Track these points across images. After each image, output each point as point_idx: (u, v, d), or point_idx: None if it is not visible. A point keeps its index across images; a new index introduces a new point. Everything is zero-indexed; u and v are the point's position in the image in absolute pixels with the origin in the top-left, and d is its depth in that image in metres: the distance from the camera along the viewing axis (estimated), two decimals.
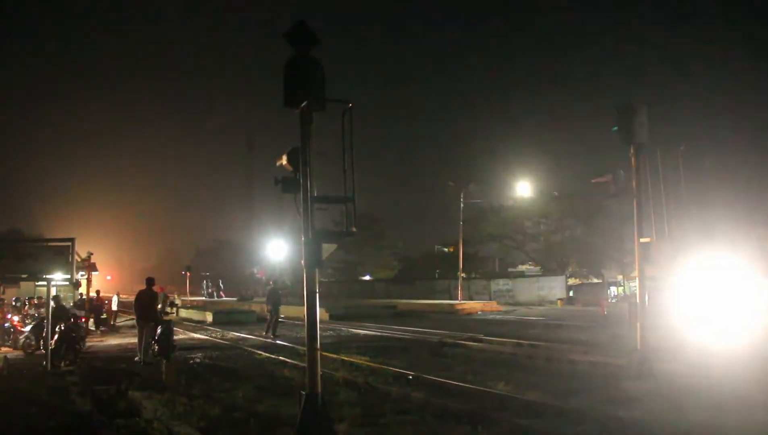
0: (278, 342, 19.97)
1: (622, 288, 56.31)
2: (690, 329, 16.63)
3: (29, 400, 10.71)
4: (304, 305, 7.59)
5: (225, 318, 31.09)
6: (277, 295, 23.29)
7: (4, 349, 18.08)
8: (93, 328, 26.95)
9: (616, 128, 10.89)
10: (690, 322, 19.65)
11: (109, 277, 64.12)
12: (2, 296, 23.74)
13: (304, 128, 7.53)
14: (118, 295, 31.98)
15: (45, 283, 15.10)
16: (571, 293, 51.06)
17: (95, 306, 28.88)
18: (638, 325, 10.81)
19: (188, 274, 56.50)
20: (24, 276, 15.58)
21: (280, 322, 28.32)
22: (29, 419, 9.31)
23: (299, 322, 27.11)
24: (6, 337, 18.42)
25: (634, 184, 11.05)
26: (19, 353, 17.72)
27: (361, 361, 14.71)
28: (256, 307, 35.52)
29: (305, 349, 7.86)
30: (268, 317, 22.91)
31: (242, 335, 22.80)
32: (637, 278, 11.44)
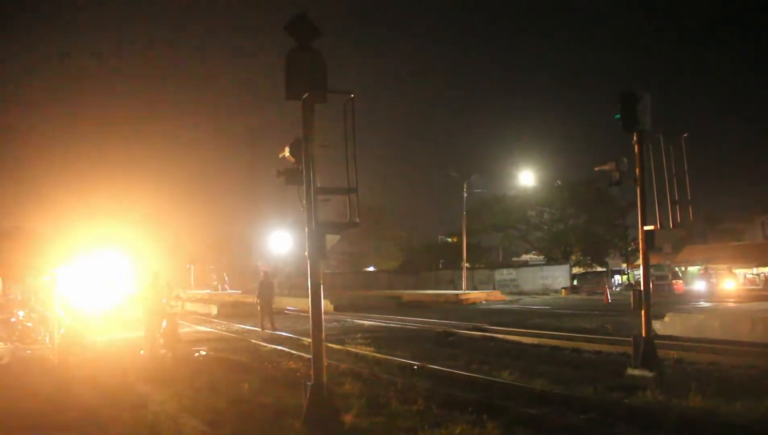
0: (283, 333, 20.00)
1: (626, 276, 56.40)
2: (695, 316, 16.62)
3: (37, 394, 10.77)
4: (308, 296, 7.61)
5: (230, 311, 31.17)
6: (268, 287, 22.96)
7: (10, 344, 18.15)
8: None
9: (618, 116, 10.86)
10: (695, 309, 19.65)
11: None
12: (9, 292, 23.82)
13: (306, 120, 7.54)
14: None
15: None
16: (575, 282, 51.11)
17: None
18: (642, 312, 10.80)
19: (192, 267, 56.63)
20: (30, 271, 15.67)
21: (286, 313, 28.45)
22: (37, 414, 9.37)
23: (303, 314, 27.20)
24: (13, 332, 18.48)
25: (637, 171, 11.02)
26: (26, 348, 17.82)
27: (366, 352, 14.74)
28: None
29: (310, 340, 7.88)
30: (259, 310, 22.58)
31: (247, 327, 22.85)
32: (641, 266, 11.42)
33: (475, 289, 47.23)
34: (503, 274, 54.65)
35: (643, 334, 10.68)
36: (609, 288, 39.83)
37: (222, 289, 58.57)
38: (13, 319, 18.52)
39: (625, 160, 11.48)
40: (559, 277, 51.94)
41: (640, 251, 11.15)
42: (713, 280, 46.24)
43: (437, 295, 41.21)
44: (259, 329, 21.54)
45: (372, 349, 15.28)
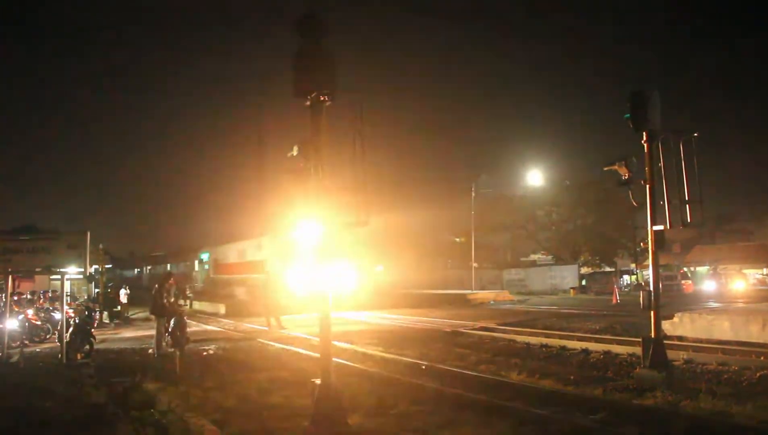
0: (290, 333, 20.02)
1: (635, 276, 56.16)
2: (704, 316, 16.51)
3: (46, 392, 10.79)
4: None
5: (237, 310, 31.17)
6: (273, 287, 22.99)
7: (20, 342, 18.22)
8: (107, 321, 27.17)
9: (628, 115, 10.79)
10: (705, 309, 19.53)
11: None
12: (19, 290, 23.93)
13: (315, 119, 7.51)
14: (126, 288, 32.17)
15: (59, 276, 15.22)
16: (583, 282, 50.93)
17: (109, 299, 29.11)
18: (652, 313, 10.72)
19: None
20: (38, 270, 15.71)
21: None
22: (46, 411, 9.39)
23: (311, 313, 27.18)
24: (22, 331, 18.56)
25: (647, 171, 10.94)
26: (35, 346, 17.90)
27: (374, 351, 14.72)
28: None
29: (317, 339, 7.86)
30: (264, 310, 22.63)
31: (255, 327, 22.87)
32: (650, 266, 11.34)
33: (483, 289, 47.08)
34: (511, 274, 54.47)
35: (653, 335, 10.61)
36: (618, 288, 39.68)
37: None
38: (21, 317, 18.60)
39: (634, 159, 11.42)
40: (567, 277, 51.77)
41: (650, 251, 11.06)
42: (722, 280, 46.02)
43: (445, 294, 41.09)
44: (267, 328, 21.58)
45: (380, 348, 15.26)
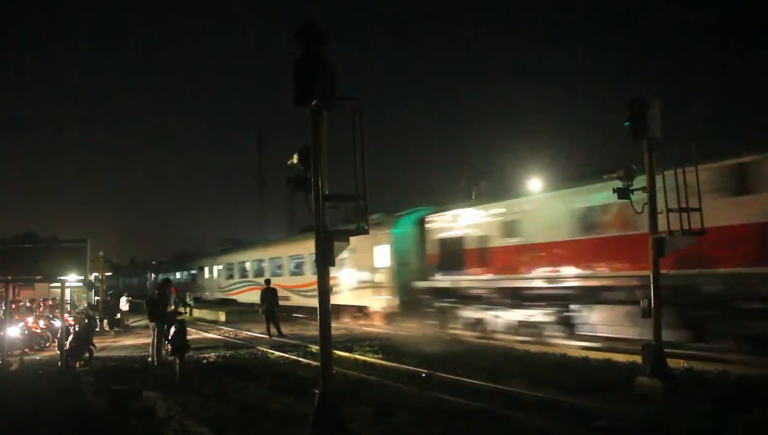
0: (290, 341, 19.98)
1: None
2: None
3: (45, 400, 10.78)
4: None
5: (238, 317, 31.16)
6: (272, 295, 23.01)
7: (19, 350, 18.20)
8: (107, 329, 27.14)
9: (628, 123, 10.77)
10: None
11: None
12: (18, 298, 23.92)
13: (315, 127, 7.52)
14: (127, 295, 32.18)
15: (59, 284, 15.21)
16: None
17: (109, 307, 29.09)
18: (653, 320, 10.70)
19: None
20: (38, 278, 15.71)
21: (294, 317, 28.42)
22: (45, 419, 9.38)
23: (311, 320, 27.17)
24: (22, 339, 18.55)
25: (646, 179, 10.93)
26: (34, 354, 17.88)
27: (374, 360, 14.69)
28: None
29: (317, 347, 7.84)
30: (264, 318, 22.59)
31: (255, 334, 22.84)
32: (651, 274, 11.31)
33: None
34: None
35: (653, 343, 10.60)
36: None
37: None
38: (21, 325, 18.59)
39: (634, 167, 11.43)
40: None
41: (650, 259, 11.05)
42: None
43: None
44: (266, 336, 21.56)
45: (380, 356, 15.23)
